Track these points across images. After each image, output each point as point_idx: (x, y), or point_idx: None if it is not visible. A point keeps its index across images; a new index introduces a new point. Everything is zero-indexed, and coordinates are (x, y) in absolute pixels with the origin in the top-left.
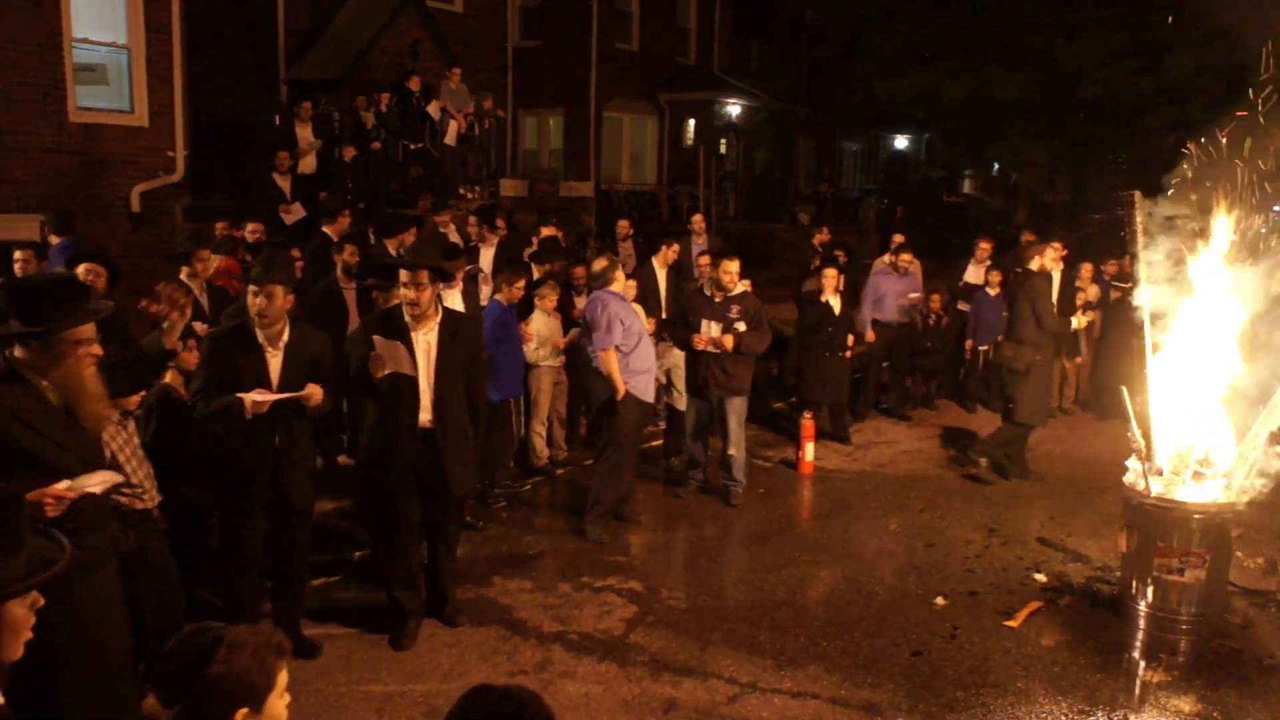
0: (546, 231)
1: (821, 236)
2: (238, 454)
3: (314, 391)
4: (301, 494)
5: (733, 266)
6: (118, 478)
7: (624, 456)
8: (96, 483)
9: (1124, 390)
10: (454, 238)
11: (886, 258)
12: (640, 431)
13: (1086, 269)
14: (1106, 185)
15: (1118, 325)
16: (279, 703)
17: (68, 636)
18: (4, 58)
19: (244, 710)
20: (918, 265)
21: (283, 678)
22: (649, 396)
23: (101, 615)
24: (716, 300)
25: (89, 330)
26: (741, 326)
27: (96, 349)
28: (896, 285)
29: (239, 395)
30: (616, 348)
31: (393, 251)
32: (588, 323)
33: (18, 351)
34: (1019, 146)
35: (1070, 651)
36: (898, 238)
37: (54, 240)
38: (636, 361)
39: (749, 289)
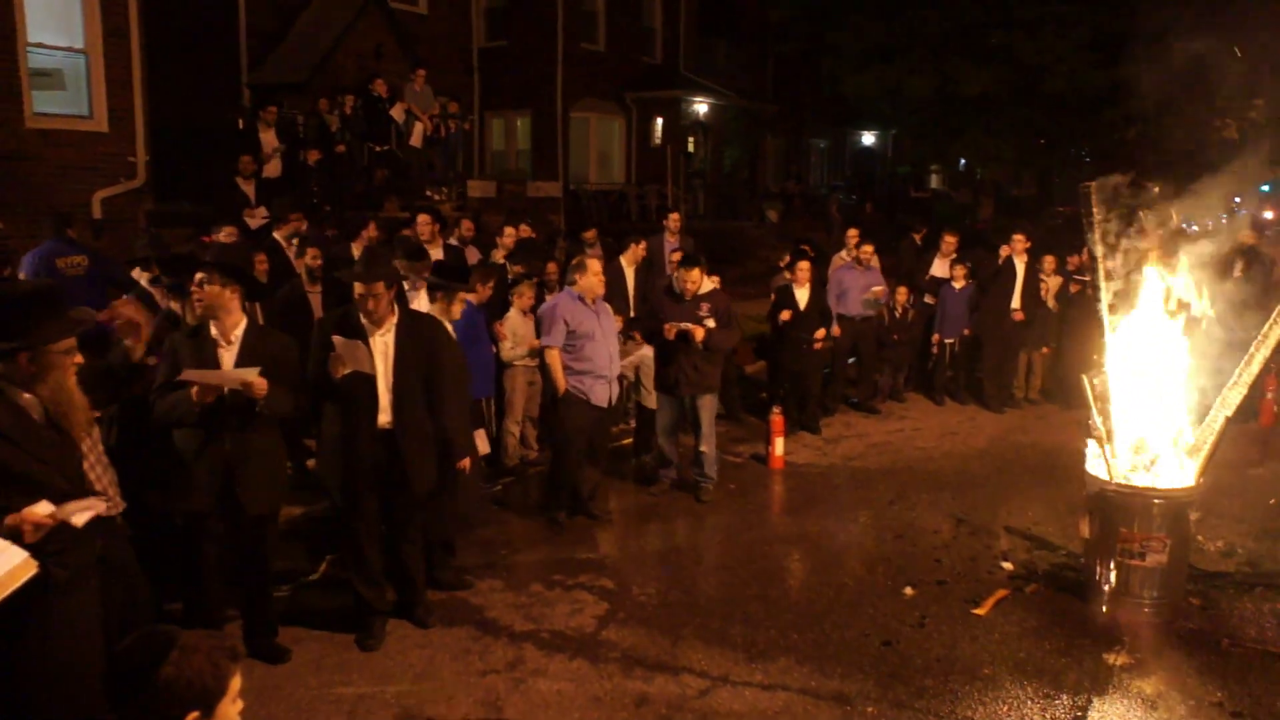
0: (512, 232)
1: (853, 235)
2: (188, 455)
3: (251, 375)
4: (256, 498)
5: (693, 275)
6: (101, 505)
7: (564, 452)
8: (79, 510)
9: (1085, 378)
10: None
11: (844, 253)
12: (582, 429)
13: (1048, 261)
14: (1071, 178)
15: (1079, 316)
16: (231, 708)
17: (43, 653)
18: None
19: (195, 714)
20: (876, 259)
21: (235, 683)
22: (596, 397)
23: (80, 634)
24: (686, 299)
25: (71, 340)
26: (711, 323)
27: (78, 358)
28: (860, 279)
29: (185, 378)
30: (564, 348)
31: (356, 252)
32: (537, 321)
33: None
34: (984, 141)
35: (1036, 637)
36: (852, 232)
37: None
38: (581, 362)
39: (718, 285)
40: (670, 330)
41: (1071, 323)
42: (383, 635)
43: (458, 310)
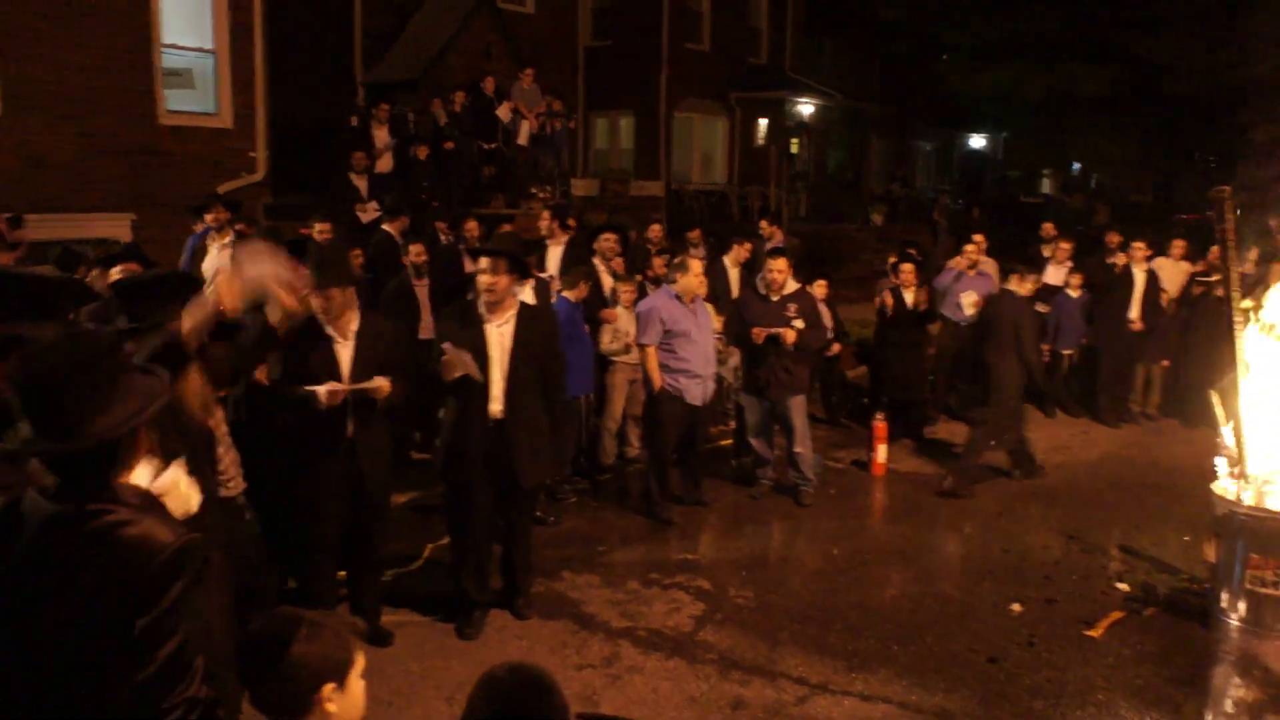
0: (611, 237)
1: (978, 241)
2: (312, 442)
3: (381, 384)
4: (377, 484)
5: (779, 264)
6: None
7: (659, 448)
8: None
9: (1212, 393)
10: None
11: (958, 259)
12: (676, 427)
13: (1178, 246)
14: (1194, 184)
15: (1203, 324)
16: (357, 683)
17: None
18: (97, 63)
19: (330, 685)
20: (992, 265)
21: (360, 658)
22: (690, 396)
23: (211, 604)
24: (773, 300)
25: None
26: (800, 324)
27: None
28: (967, 285)
29: (313, 389)
30: (660, 347)
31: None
32: (637, 320)
33: (130, 346)
34: (1101, 144)
35: (1155, 664)
36: (977, 238)
37: (197, 228)
38: (677, 361)
39: (824, 289)
40: (760, 335)
41: (1194, 335)
42: (482, 625)
43: None
